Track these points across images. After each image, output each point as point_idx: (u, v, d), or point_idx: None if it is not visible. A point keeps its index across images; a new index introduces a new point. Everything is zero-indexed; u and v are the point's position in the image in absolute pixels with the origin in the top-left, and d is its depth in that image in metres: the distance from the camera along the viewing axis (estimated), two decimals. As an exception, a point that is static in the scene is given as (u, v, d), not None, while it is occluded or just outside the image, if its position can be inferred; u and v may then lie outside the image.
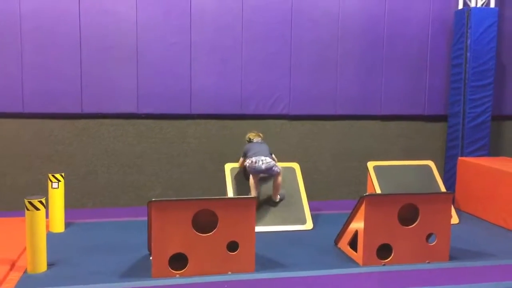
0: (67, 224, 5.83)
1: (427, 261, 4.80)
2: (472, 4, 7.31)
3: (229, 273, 4.40)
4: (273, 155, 6.09)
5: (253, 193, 5.87)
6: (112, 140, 6.74)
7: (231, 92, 6.93)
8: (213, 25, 6.80)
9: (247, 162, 5.89)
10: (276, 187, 5.95)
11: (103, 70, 6.56)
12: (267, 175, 6.04)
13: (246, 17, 6.87)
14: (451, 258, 4.91)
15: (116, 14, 6.53)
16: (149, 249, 4.63)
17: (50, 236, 5.31)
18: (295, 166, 6.39)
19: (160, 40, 6.67)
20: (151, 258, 4.40)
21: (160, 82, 6.72)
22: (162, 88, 6.73)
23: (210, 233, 4.35)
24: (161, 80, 6.72)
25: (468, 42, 7.08)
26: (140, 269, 4.52)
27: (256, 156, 5.86)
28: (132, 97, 6.67)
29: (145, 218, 4.75)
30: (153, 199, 4.28)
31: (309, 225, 5.93)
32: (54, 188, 5.60)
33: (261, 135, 6.30)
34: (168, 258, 4.28)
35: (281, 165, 6.38)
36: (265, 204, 5.98)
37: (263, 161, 5.81)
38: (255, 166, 5.80)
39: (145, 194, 6.82)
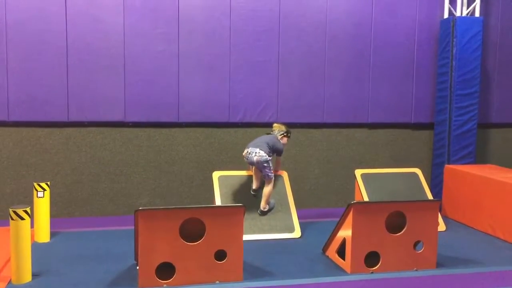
0: (53, 234, 5.75)
1: (414, 269, 4.81)
2: (458, 13, 7.41)
3: (217, 282, 4.37)
4: (276, 146, 5.95)
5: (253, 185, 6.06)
6: (99, 148, 6.69)
7: (218, 100, 6.93)
8: (200, 33, 6.80)
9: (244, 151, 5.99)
10: (264, 195, 5.93)
11: (89, 78, 6.52)
12: (260, 169, 5.94)
13: (234, 26, 6.88)
14: (439, 265, 4.93)
15: (103, 22, 6.51)
16: (136, 258, 4.59)
17: (35, 246, 5.24)
18: (283, 174, 6.39)
19: (147, 48, 6.65)
20: (138, 267, 4.35)
21: (147, 90, 6.69)
22: (150, 96, 6.71)
23: (198, 242, 4.32)
24: (148, 88, 6.69)
25: (454, 50, 7.17)
26: (127, 279, 4.47)
27: (252, 146, 5.88)
28: (119, 105, 6.64)
29: (132, 227, 4.71)
30: (140, 208, 4.25)
31: (297, 233, 5.92)
32: (39, 197, 5.53)
33: (280, 126, 6.17)
34: (155, 267, 4.24)
35: (269, 173, 6.41)
36: (253, 212, 5.96)
37: (256, 153, 5.78)
38: (247, 157, 5.87)
39: (132, 202, 6.76)
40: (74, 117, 6.53)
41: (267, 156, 5.80)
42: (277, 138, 6.05)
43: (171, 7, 6.68)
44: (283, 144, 6.08)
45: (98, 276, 4.54)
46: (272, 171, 5.88)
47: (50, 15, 6.35)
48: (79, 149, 6.63)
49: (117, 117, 6.66)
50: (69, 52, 6.43)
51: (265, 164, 5.80)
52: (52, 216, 5.87)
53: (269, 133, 6.15)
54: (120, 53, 6.57)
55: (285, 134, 6.09)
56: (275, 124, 6.25)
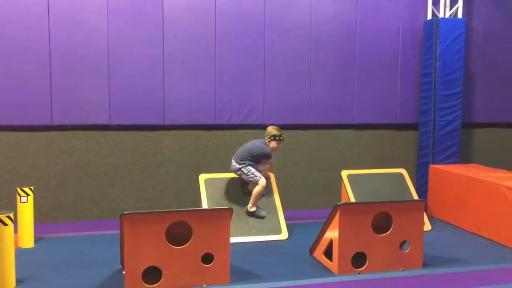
0: (37, 239, 5.67)
1: (401, 269, 4.84)
2: (441, 15, 7.48)
3: (204, 285, 4.35)
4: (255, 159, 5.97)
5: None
6: (83, 152, 6.62)
7: (204, 103, 6.90)
8: (185, 36, 6.78)
9: None
10: (252, 195, 5.93)
11: (73, 81, 6.45)
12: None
13: (219, 28, 6.87)
14: (425, 265, 4.96)
15: (87, 25, 6.44)
16: (122, 263, 4.54)
17: (19, 252, 5.16)
18: (270, 176, 6.38)
19: (132, 50, 6.60)
20: (123, 272, 4.31)
21: (132, 93, 6.64)
22: (135, 99, 6.66)
23: (185, 246, 4.29)
24: (133, 91, 6.64)
25: (437, 52, 7.24)
26: (112, 284, 4.42)
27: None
28: (104, 108, 6.58)
29: (118, 231, 4.67)
30: (126, 212, 4.20)
31: (284, 235, 5.92)
32: (23, 202, 5.45)
33: (269, 130, 6.06)
34: (141, 272, 4.20)
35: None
36: (240, 215, 5.94)
37: (231, 162, 6.05)
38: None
39: (118, 206, 6.70)
40: (57, 121, 6.45)
41: (237, 165, 5.94)
42: (264, 143, 6.02)
43: (155, 10, 6.64)
44: (272, 148, 6.00)
45: (83, 281, 4.48)
46: (253, 175, 5.89)
47: (32, 18, 6.26)
48: (63, 153, 6.55)
49: (102, 120, 6.59)
50: (52, 55, 6.36)
51: (239, 173, 5.97)
52: (36, 221, 5.80)
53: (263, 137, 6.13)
54: (104, 56, 6.51)
55: (271, 138, 6.00)
56: (268, 128, 6.15)
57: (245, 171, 5.90)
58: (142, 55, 6.64)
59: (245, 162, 5.92)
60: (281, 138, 6.03)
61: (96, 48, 6.49)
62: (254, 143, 6.04)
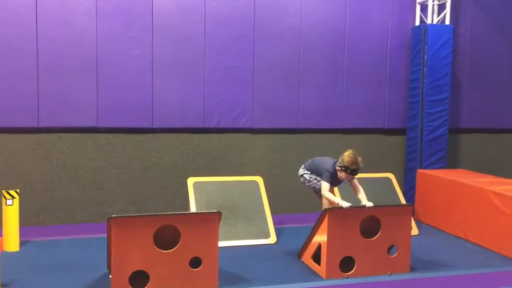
0: (23, 243, 5.60)
1: (388, 273, 4.86)
2: (429, 21, 7.55)
3: (192, 290, 4.32)
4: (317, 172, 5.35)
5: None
6: (70, 154, 6.55)
7: (193, 106, 6.88)
8: (175, 38, 6.76)
9: None
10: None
11: (61, 83, 6.39)
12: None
13: (209, 31, 6.86)
14: (412, 269, 4.99)
15: (75, 26, 6.39)
16: (109, 266, 4.50)
17: (4, 256, 5.07)
18: (259, 179, 6.37)
19: (120, 52, 6.56)
20: (110, 276, 4.26)
21: (120, 95, 6.60)
22: (123, 102, 6.61)
23: (173, 249, 4.27)
24: (121, 93, 6.60)
25: (425, 57, 7.31)
26: (99, 288, 4.38)
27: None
28: (92, 110, 6.52)
29: (105, 235, 4.62)
30: (113, 215, 4.17)
31: (272, 239, 5.91)
32: (8, 205, 5.38)
33: (345, 154, 5.09)
34: (128, 276, 4.16)
35: (244, 179, 6.38)
36: (229, 218, 5.92)
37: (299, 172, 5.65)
38: None
39: (105, 210, 6.64)
40: (44, 123, 6.38)
41: (302, 177, 5.53)
42: (332, 166, 5.19)
43: (144, 11, 6.62)
44: (340, 177, 5.16)
45: (69, 285, 4.43)
46: (315, 182, 5.35)
47: (20, 18, 6.20)
48: (49, 155, 6.48)
49: (89, 122, 6.54)
50: (40, 56, 6.29)
51: (301, 179, 5.54)
52: (22, 224, 5.71)
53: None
54: (92, 57, 6.47)
55: (343, 168, 5.06)
56: (345, 154, 5.11)
57: (309, 178, 5.47)
58: (130, 58, 6.61)
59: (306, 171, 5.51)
60: (354, 172, 5.06)
61: (85, 49, 6.44)
62: (322, 160, 5.40)
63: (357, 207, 4.84)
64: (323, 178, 5.16)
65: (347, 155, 5.07)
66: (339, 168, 5.10)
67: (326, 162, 5.29)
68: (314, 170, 5.42)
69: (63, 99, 6.41)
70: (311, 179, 5.45)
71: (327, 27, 7.33)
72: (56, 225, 6.51)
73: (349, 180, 5.18)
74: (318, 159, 5.50)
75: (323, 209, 5.11)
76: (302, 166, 5.62)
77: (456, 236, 6.34)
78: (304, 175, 5.53)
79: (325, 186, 5.12)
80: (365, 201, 4.92)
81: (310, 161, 5.56)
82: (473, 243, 6.04)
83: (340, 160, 5.11)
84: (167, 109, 6.79)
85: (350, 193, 6.20)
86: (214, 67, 6.92)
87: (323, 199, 5.22)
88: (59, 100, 6.40)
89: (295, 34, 7.21)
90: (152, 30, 6.66)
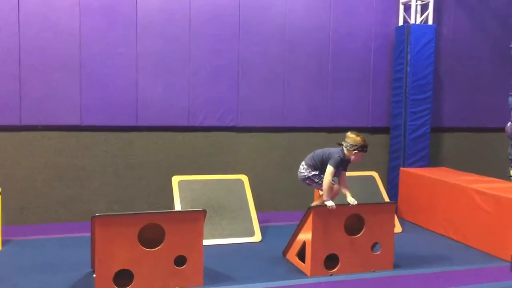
0: (4, 242, 5.52)
1: (372, 270, 4.91)
2: (412, 21, 7.64)
3: (177, 288, 4.32)
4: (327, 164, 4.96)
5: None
6: (53, 153, 6.48)
7: (178, 104, 6.86)
8: (159, 36, 6.72)
9: None
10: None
11: (44, 80, 6.32)
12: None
13: (194, 29, 6.85)
14: (395, 266, 5.05)
15: (58, 23, 6.32)
16: (93, 266, 4.47)
17: (-15, 255, 5.03)
18: (244, 178, 6.38)
19: (104, 50, 6.51)
20: (94, 275, 4.24)
21: (105, 93, 6.55)
22: (107, 100, 6.57)
23: (157, 248, 4.25)
24: (106, 91, 6.55)
25: (408, 57, 7.39)
26: (83, 288, 4.35)
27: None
28: (75, 108, 6.46)
29: (88, 234, 4.58)
30: (97, 214, 4.14)
31: (257, 237, 5.93)
32: (-11, 204, 5.31)
33: (351, 136, 4.97)
34: (112, 275, 4.14)
35: (229, 177, 6.39)
36: (213, 217, 5.93)
37: (299, 169, 5.24)
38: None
39: (89, 209, 6.57)
40: (27, 121, 6.30)
41: (305, 173, 5.14)
42: (341, 151, 4.98)
43: (129, 9, 6.57)
44: (354, 161, 4.99)
45: (53, 285, 4.39)
46: (321, 182, 5.00)
47: (1, 15, 6.11)
48: (32, 154, 6.41)
49: (73, 120, 6.48)
50: (22, 54, 6.21)
51: (305, 180, 5.18)
52: (4, 223, 5.64)
53: (341, 143, 5.05)
54: (76, 55, 6.41)
55: (359, 149, 4.91)
56: (350, 134, 5.01)
57: (315, 180, 5.14)
58: (115, 55, 6.56)
59: (313, 170, 5.15)
60: (367, 148, 4.98)
61: (68, 47, 6.38)
62: (326, 149, 5.13)
63: (341, 205, 4.86)
64: (332, 162, 4.88)
65: (354, 136, 4.93)
66: (352, 150, 4.89)
67: (333, 149, 5.04)
68: (318, 161, 5.05)
69: (46, 97, 6.34)
70: (315, 179, 5.09)
71: (312, 26, 7.36)
72: (39, 224, 6.44)
73: (340, 172, 5.07)
74: (319, 150, 5.14)
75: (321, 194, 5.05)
76: (303, 163, 5.20)
77: (438, 234, 6.43)
78: (306, 174, 5.14)
79: (331, 171, 4.87)
80: (350, 198, 4.93)
81: (310, 155, 5.17)
82: (455, 240, 6.14)
83: (348, 143, 4.91)
84: (151, 107, 6.76)
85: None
86: (199, 65, 6.91)
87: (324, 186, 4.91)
88: (42, 98, 6.33)
89: (280, 33, 7.23)
90: (137, 28, 6.62)
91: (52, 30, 6.31)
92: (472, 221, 5.88)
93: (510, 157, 6.58)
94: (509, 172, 6.58)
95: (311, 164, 5.12)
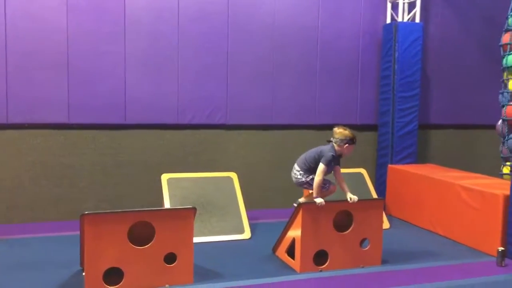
0: (-9, 241, 5.49)
1: (361, 266, 4.95)
2: (399, 19, 7.70)
3: (167, 286, 4.31)
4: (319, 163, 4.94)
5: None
6: (40, 151, 6.43)
7: (167, 102, 6.84)
8: (148, 34, 6.70)
9: None
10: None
11: (31, 78, 6.26)
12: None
13: (182, 27, 6.83)
14: (383, 262, 5.10)
15: (45, 21, 6.26)
16: (82, 264, 4.45)
17: (-28, 255, 4.98)
18: (233, 175, 6.40)
19: (92, 48, 6.47)
20: (83, 273, 4.22)
21: (92, 91, 6.51)
22: (95, 98, 6.53)
23: (147, 246, 4.25)
24: (93, 89, 6.51)
25: (396, 55, 7.44)
26: (72, 286, 4.33)
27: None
28: (63, 106, 6.42)
29: (77, 233, 4.57)
30: (86, 212, 4.12)
31: (247, 234, 5.95)
32: (-24, 203, 5.25)
33: (338, 131, 5.02)
34: (102, 273, 4.13)
35: (218, 175, 6.39)
36: (203, 214, 5.93)
37: (292, 172, 5.20)
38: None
39: (77, 207, 6.53)
40: (14, 119, 6.24)
41: (302, 178, 5.11)
42: (332, 148, 5.02)
43: (116, 7, 6.53)
44: (346, 154, 5.09)
45: (41, 284, 4.36)
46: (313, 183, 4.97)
47: (-13, 12, 6.05)
48: (19, 152, 6.35)
49: (60, 118, 6.43)
50: (9, 51, 6.15)
51: (304, 184, 5.16)
52: (-9, 222, 5.60)
53: (330, 140, 5.08)
54: (63, 53, 6.36)
55: (349, 142, 4.99)
56: (337, 129, 5.05)
57: (303, 179, 5.14)
58: (102, 53, 6.52)
59: (306, 173, 5.13)
60: (355, 140, 5.07)
61: (55, 45, 6.32)
62: (319, 147, 5.13)
63: (330, 202, 4.89)
64: (323, 160, 4.89)
65: (342, 131, 4.99)
66: (342, 144, 4.95)
67: (323, 147, 5.05)
68: (312, 163, 5.02)
69: (33, 95, 6.28)
70: (312, 183, 4.98)
71: (300, 24, 7.38)
72: (26, 223, 6.39)
73: (334, 168, 5.10)
74: (310, 151, 5.12)
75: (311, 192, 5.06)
76: (297, 168, 5.16)
77: (426, 229, 6.50)
78: (304, 179, 5.11)
79: (322, 169, 4.89)
80: (350, 195, 4.93)
81: (303, 158, 5.15)
82: (442, 235, 6.21)
83: (338, 138, 4.96)
84: (140, 105, 6.73)
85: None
86: (188, 63, 6.90)
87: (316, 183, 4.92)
88: (29, 96, 6.27)
89: (269, 31, 7.24)
90: (125, 26, 6.59)
91: (39, 27, 6.25)
92: (458, 217, 5.95)
93: (502, 155, 6.60)
94: (501, 170, 6.62)
95: (306, 168, 5.09)
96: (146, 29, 6.69)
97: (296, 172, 5.17)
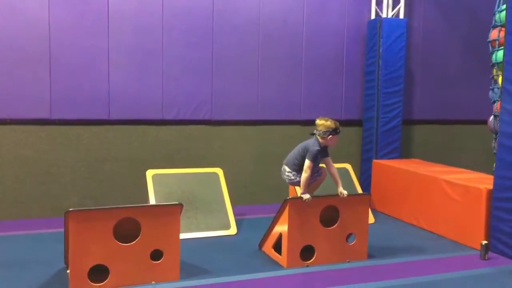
0: (-28, 239, 5.39)
1: (347, 260, 4.98)
2: (384, 15, 7.73)
3: (153, 282, 4.28)
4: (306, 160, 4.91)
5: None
6: (22, 147, 6.32)
7: (151, 97, 6.78)
8: (132, 29, 6.62)
9: None
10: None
11: (11, 73, 6.13)
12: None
13: (167, 22, 6.76)
14: (369, 256, 5.13)
15: (26, 14, 6.14)
16: (66, 262, 4.39)
17: (-47, 253, 4.87)
18: (218, 171, 6.37)
19: (75, 42, 6.37)
20: (68, 271, 4.16)
21: (75, 86, 6.41)
22: (78, 92, 6.43)
23: (133, 242, 4.21)
24: (76, 84, 6.41)
25: (380, 50, 7.48)
26: (56, 284, 4.27)
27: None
28: (45, 101, 6.31)
29: (61, 229, 4.50)
30: (71, 209, 4.06)
31: (233, 230, 5.93)
32: (-44, 200, 5.14)
33: (320, 123, 4.97)
34: (87, 270, 4.08)
35: (203, 170, 6.36)
36: (189, 210, 5.89)
37: (284, 174, 5.19)
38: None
39: (61, 204, 6.44)
40: (-6, 115, 6.13)
41: (291, 175, 5.10)
42: (316, 141, 4.98)
43: (100, 0, 6.44)
44: (330, 145, 5.05)
45: (25, 282, 4.29)
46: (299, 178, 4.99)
47: (-34, 5, 5.91)
48: (0, 148, 6.22)
49: (42, 114, 6.32)
50: (-12, 45, 6.03)
51: (298, 185, 5.09)
52: (-29, 220, 5.49)
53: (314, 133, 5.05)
54: (45, 47, 6.24)
55: (333, 133, 4.95)
56: (319, 121, 5.01)
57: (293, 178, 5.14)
58: (85, 47, 6.42)
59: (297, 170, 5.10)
60: (339, 130, 5.02)
61: (37, 38, 6.20)
62: (306, 141, 5.11)
63: (316, 197, 4.90)
64: (309, 156, 4.88)
65: (324, 122, 4.95)
66: (326, 136, 4.91)
67: (308, 141, 5.03)
68: (300, 161, 5.00)
69: (14, 90, 6.16)
70: (297, 178, 5.03)
71: (285, 18, 7.36)
72: (9, 220, 6.28)
73: (325, 160, 5.11)
74: (296, 149, 5.12)
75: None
76: (287, 168, 5.14)
77: (410, 224, 6.56)
78: (297, 179, 5.05)
79: (308, 164, 4.87)
80: (341, 189, 4.96)
81: (291, 157, 5.14)
82: (426, 230, 6.27)
83: (321, 131, 4.92)
84: (124, 100, 6.65)
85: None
86: (173, 58, 6.83)
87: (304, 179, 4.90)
88: (9, 91, 6.14)
89: (254, 26, 7.21)
90: (108, 20, 6.49)
91: (20, 20, 6.12)
92: (442, 211, 6.02)
93: (495, 151, 6.59)
94: (494, 167, 6.60)
95: (297, 168, 5.05)
96: (130, 23, 6.60)
97: (288, 173, 5.14)
